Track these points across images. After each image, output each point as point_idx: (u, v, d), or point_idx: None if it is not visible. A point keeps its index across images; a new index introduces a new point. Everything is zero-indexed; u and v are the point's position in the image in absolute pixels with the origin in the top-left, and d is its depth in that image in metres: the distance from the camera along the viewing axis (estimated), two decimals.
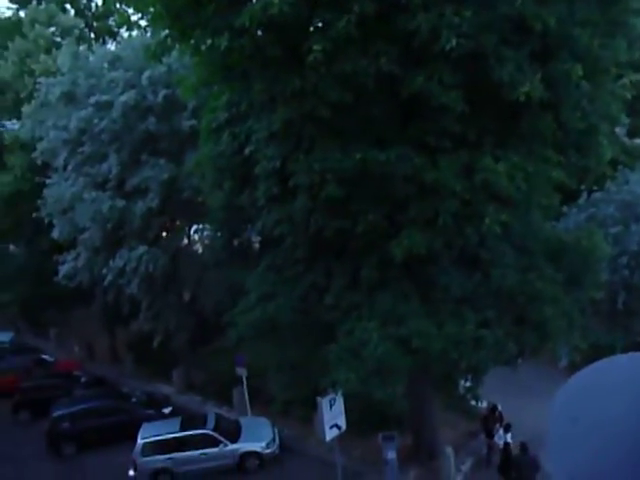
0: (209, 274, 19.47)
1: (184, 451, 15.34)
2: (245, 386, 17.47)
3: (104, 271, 18.29)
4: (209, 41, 9.43)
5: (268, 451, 15.68)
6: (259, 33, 9.20)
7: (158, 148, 18.35)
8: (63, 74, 19.48)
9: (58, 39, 26.55)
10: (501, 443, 14.21)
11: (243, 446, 15.61)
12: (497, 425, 14.70)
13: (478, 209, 10.07)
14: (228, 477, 15.26)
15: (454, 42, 8.40)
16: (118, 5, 31.46)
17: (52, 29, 27.13)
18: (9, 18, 31.33)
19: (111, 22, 32.10)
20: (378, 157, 9.80)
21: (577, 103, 9.90)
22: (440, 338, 10.66)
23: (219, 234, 17.82)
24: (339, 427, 12.63)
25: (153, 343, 20.38)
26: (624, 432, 1.03)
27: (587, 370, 1.22)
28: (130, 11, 26.06)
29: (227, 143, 12.69)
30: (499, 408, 15.26)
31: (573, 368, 12.91)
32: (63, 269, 19.54)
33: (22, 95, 24.06)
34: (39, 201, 20.44)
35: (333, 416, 12.46)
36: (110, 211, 17.71)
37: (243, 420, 16.91)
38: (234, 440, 15.65)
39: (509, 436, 14.19)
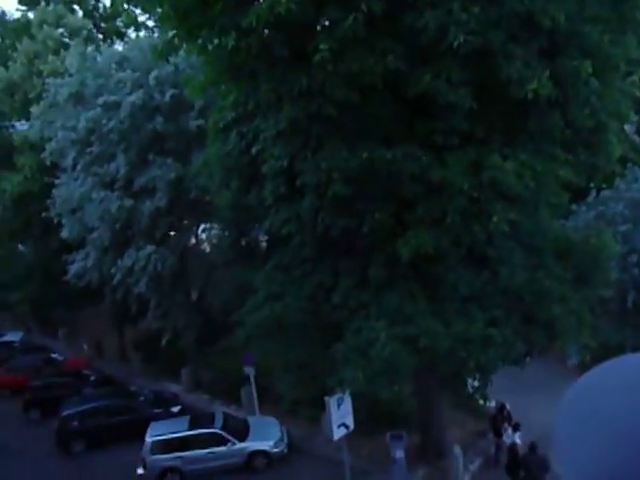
0: (217, 273, 19.53)
1: (192, 450, 15.39)
2: (253, 385, 17.51)
3: (113, 270, 18.40)
4: (216, 41, 9.46)
5: (276, 450, 15.71)
6: (266, 32, 9.21)
7: (166, 148, 18.43)
8: (71, 75, 19.61)
9: (66, 40, 26.73)
10: (513, 442, 14.14)
11: (251, 445, 15.65)
12: (506, 424, 14.64)
13: (486, 207, 10.02)
14: (236, 476, 15.30)
15: (462, 39, 8.35)
16: (126, 6, 31.61)
17: (60, 30, 27.31)
18: (18, 19, 31.58)
19: (119, 23, 32.27)
20: (385, 156, 9.78)
21: (586, 100, 9.82)
22: (448, 337, 10.63)
23: (227, 233, 17.88)
24: (347, 426, 12.62)
25: (161, 342, 20.48)
26: (634, 432, 1.02)
27: (596, 369, 1.21)
28: (137, 12, 26.20)
29: (234, 142, 12.73)
30: (508, 407, 15.19)
31: (582, 367, 12.83)
32: (72, 268, 19.68)
33: (31, 96, 24.25)
34: (48, 201, 20.61)
35: (341, 415, 12.46)
36: (118, 211, 17.81)
37: (251, 419, 16.95)
38: (242, 439, 15.69)
39: (518, 435, 14.13)
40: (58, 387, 20.14)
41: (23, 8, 32.31)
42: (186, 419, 16.51)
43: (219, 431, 15.63)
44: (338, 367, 10.89)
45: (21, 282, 26.06)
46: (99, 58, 20.10)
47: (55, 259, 21.91)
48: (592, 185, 17.74)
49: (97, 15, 32.66)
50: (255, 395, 17.62)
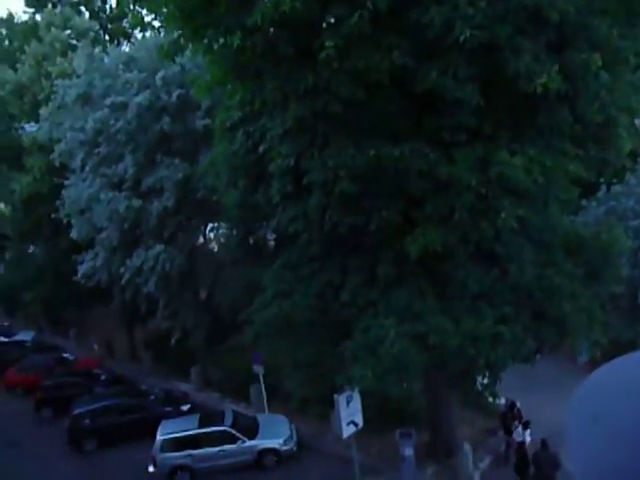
0: (225, 272, 19.59)
1: (202, 448, 15.46)
2: (262, 383, 17.55)
3: (122, 270, 18.51)
4: (222, 40, 9.46)
5: (286, 448, 15.74)
6: (271, 31, 9.19)
7: (173, 148, 18.49)
8: (79, 76, 19.73)
9: (73, 42, 26.89)
10: (521, 440, 14.07)
11: (261, 443, 15.69)
12: (516, 422, 14.56)
13: (494, 204, 9.95)
14: (246, 473, 15.34)
15: (468, 33, 8.29)
16: (132, 6, 31.72)
17: (67, 32, 27.48)
18: (25, 22, 31.79)
19: (125, 24, 32.39)
20: (392, 153, 9.74)
21: (596, 94, 9.72)
22: (457, 334, 10.59)
23: (234, 232, 17.91)
24: (356, 424, 12.61)
25: (171, 341, 20.58)
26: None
27: (607, 366, 1.19)
28: (144, 12, 26.25)
29: (241, 142, 12.74)
30: (518, 405, 15.12)
31: (593, 364, 12.73)
32: (82, 268, 19.82)
33: (40, 98, 24.44)
34: (57, 202, 20.77)
35: (350, 413, 12.45)
36: (126, 211, 17.90)
37: (260, 417, 16.99)
38: (252, 437, 15.73)
39: (528, 433, 14.05)
40: (69, 386, 20.31)
41: (30, 10, 32.54)
42: (196, 417, 16.58)
43: (229, 429, 15.68)
44: (347, 365, 10.88)
45: (32, 282, 26.28)
46: (106, 59, 20.20)
47: (65, 259, 22.08)
48: (602, 180, 17.59)
49: (104, 16, 32.80)
50: (264, 393, 17.66)
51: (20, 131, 27.03)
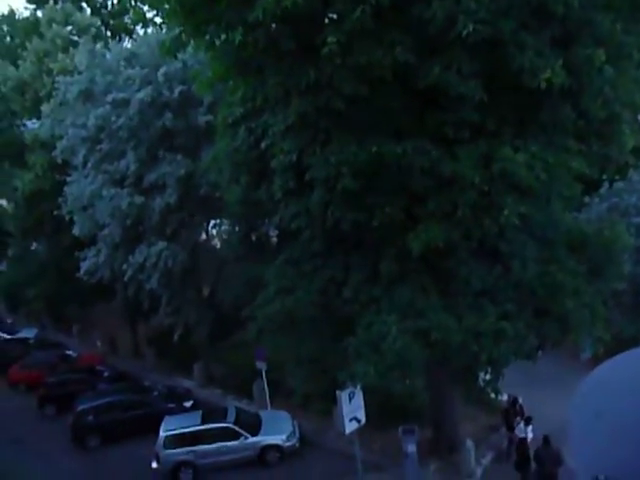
0: (227, 268, 19.59)
1: (205, 444, 15.51)
2: (265, 379, 17.57)
3: (124, 267, 18.52)
4: (223, 36, 9.43)
5: (288, 444, 15.77)
6: (273, 26, 9.16)
7: (175, 144, 18.47)
8: (80, 72, 19.71)
9: (75, 38, 26.85)
10: (522, 436, 14.08)
11: (264, 439, 15.73)
12: (518, 418, 14.56)
13: (497, 200, 9.93)
14: (249, 470, 15.39)
15: (471, 28, 8.25)
16: (133, 2, 31.67)
17: (69, 28, 27.45)
18: (27, 18, 31.77)
19: (127, 20, 32.33)
20: (395, 149, 9.72)
21: (599, 90, 9.68)
22: (459, 331, 10.58)
23: (237, 229, 17.90)
24: (359, 420, 12.63)
25: (174, 337, 20.61)
26: None
27: (609, 363, 1.18)
28: (145, 8, 26.21)
29: (243, 138, 12.71)
30: (520, 401, 15.11)
31: (596, 360, 12.71)
32: (84, 265, 19.84)
33: (41, 94, 24.43)
34: (60, 199, 20.78)
35: (353, 409, 12.46)
36: (129, 207, 17.90)
37: (263, 413, 17.02)
38: (255, 433, 15.77)
39: (530, 429, 14.05)
40: (72, 383, 20.36)
41: (32, 7, 32.50)
42: (199, 414, 16.62)
43: (232, 425, 15.72)
44: (349, 361, 10.89)
45: (35, 279, 26.30)
46: (108, 55, 20.17)
47: (68, 256, 22.09)
48: (605, 177, 17.53)
49: (105, 12, 32.75)
50: (267, 389, 17.70)
51: (22, 128, 27.05)
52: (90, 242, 20.07)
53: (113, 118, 17.91)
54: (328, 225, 11.20)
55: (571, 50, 9.18)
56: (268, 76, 10.26)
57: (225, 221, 19.98)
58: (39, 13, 30.65)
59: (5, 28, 32.62)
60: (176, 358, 22.25)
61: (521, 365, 12.43)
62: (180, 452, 15.42)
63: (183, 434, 15.60)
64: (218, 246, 22.28)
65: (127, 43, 24.20)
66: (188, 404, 18.56)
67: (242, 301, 15.40)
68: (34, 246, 29.04)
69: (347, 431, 12.52)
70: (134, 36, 28.49)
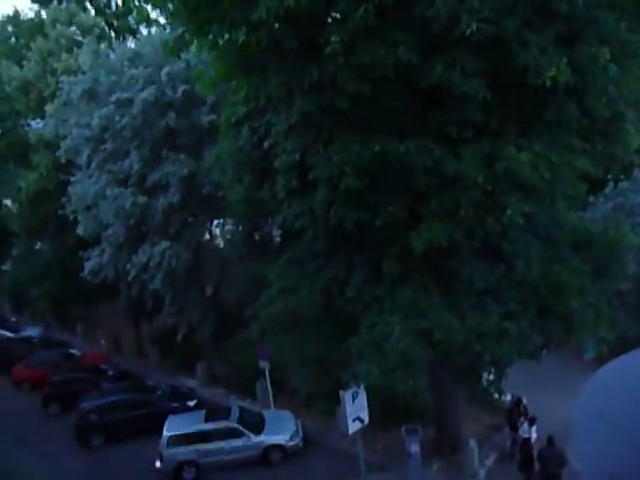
0: (231, 268, 19.60)
1: (209, 443, 15.52)
2: (268, 379, 17.58)
3: (128, 266, 18.56)
4: (226, 35, 9.42)
5: (292, 444, 15.77)
6: (276, 26, 9.15)
7: (178, 144, 18.49)
8: (84, 72, 19.75)
9: (79, 38, 26.90)
10: (526, 437, 14.03)
11: (267, 439, 15.73)
12: (522, 418, 14.51)
13: (500, 200, 9.90)
14: (252, 469, 15.39)
15: (474, 27, 8.22)
16: (137, 2, 31.72)
17: (73, 28, 27.50)
18: (31, 19, 31.85)
19: (131, 20, 32.39)
20: (398, 148, 9.70)
21: (603, 89, 9.63)
22: (462, 331, 10.55)
23: (240, 228, 17.90)
24: (362, 420, 12.61)
25: (177, 337, 20.64)
26: None
27: (614, 363, 1.17)
28: (149, 8, 26.27)
29: (246, 137, 12.71)
30: (524, 401, 15.06)
31: (600, 361, 12.66)
32: (88, 265, 19.89)
33: (45, 94, 24.48)
34: (64, 199, 20.83)
35: (356, 409, 12.45)
36: (132, 207, 17.94)
37: (266, 413, 17.03)
38: (258, 433, 15.77)
39: (534, 430, 14.00)
40: (76, 382, 20.42)
41: (36, 7, 32.59)
42: (202, 413, 16.64)
43: (235, 425, 15.73)
44: (352, 361, 10.87)
45: (39, 279, 26.39)
46: (112, 55, 20.21)
47: (72, 256, 22.15)
48: (610, 176, 17.46)
49: (109, 12, 32.82)
50: (270, 389, 17.70)
51: (26, 128, 27.12)
52: (94, 242, 20.12)
53: (117, 118, 17.94)
54: (331, 224, 11.19)
55: (575, 48, 9.14)
56: (271, 75, 10.26)
57: (228, 221, 20.00)
58: (43, 13, 30.72)
59: (10, 28, 32.69)
60: (179, 357, 22.29)
61: (525, 365, 12.39)
62: (183, 451, 15.44)
63: (186, 433, 15.62)
64: (221, 246, 22.29)
65: (131, 43, 24.23)
66: (192, 403, 18.58)
67: (245, 301, 15.40)
68: (38, 246, 29.13)
69: (350, 431, 12.51)
70: (138, 36, 28.57)
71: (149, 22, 29.60)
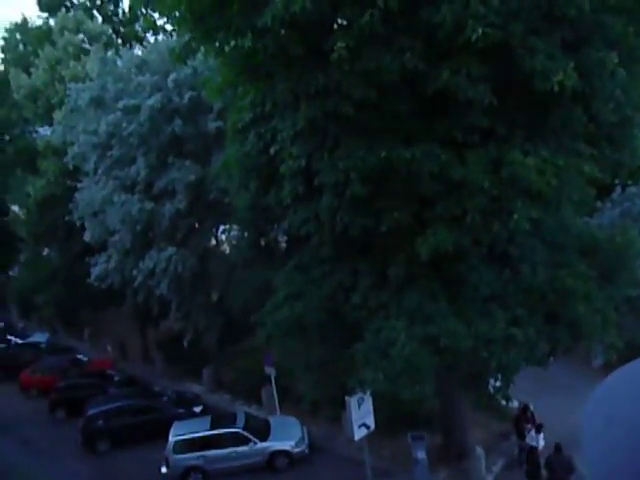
0: (237, 274, 19.61)
1: (215, 449, 15.51)
2: (274, 385, 17.55)
3: (134, 272, 18.62)
4: (233, 42, 9.47)
5: (297, 450, 15.73)
6: (282, 32, 9.19)
7: (184, 150, 18.58)
8: (92, 80, 19.92)
9: (86, 46, 27.15)
10: (533, 444, 13.91)
11: (273, 445, 15.70)
12: (529, 426, 14.40)
13: (506, 205, 9.86)
14: (258, 475, 15.36)
15: (480, 32, 8.22)
16: (144, 10, 31.99)
17: (80, 36, 27.76)
18: (40, 27, 32.18)
19: (137, 27, 32.66)
20: (403, 154, 9.69)
21: (611, 94, 9.60)
22: (469, 337, 10.50)
23: (246, 234, 17.93)
24: (368, 426, 12.56)
25: (183, 342, 20.66)
26: None
27: (623, 369, 1.16)
28: (156, 15, 26.49)
29: (252, 143, 12.74)
30: (531, 408, 14.95)
31: (608, 367, 12.55)
32: (95, 271, 19.97)
33: (53, 101, 24.70)
34: (71, 205, 20.96)
35: (362, 415, 12.40)
36: (139, 213, 18.02)
37: (272, 419, 16.99)
38: (264, 439, 15.74)
39: (541, 437, 13.89)
40: (83, 387, 20.47)
41: (44, 15, 32.95)
42: (208, 419, 16.63)
43: (241, 431, 15.71)
44: (358, 367, 10.84)
45: (46, 284, 26.52)
46: (119, 62, 20.36)
47: (79, 262, 22.26)
48: (617, 181, 17.37)
49: (116, 20, 33.12)
50: (276, 395, 17.67)
51: (34, 135, 27.37)
52: (101, 248, 20.21)
53: (124, 124, 18.05)
54: (337, 230, 11.18)
55: (582, 53, 9.12)
56: (277, 81, 10.29)
57: (234, 227, 20.04)
58: (51, 21, 31.04)
59: (18, 36, 33.05)
60: (185, 363, 22.30)
61: (532, 372, 12.31)
62: (189, 457, 15.43)
63: (192, 439, 15.62)
64: (227, 251, 22.32)
65: (138, 50, 24.43)
66: (197, 409, 18.58)
67: (251, 306, 15.41)
68: (46, 252, 29.29)
69: (356, 437, 12.46)
70: (144, 43, 28.79)
71: (156, 29, 29.84)
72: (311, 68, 9.45)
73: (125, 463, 16.70)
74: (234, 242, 21.02)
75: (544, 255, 11.62)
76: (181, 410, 18.16)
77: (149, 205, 18.14)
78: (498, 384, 12.62)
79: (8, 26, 32.83)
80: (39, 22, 33.06)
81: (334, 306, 11.96)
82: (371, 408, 12.60)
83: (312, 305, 11.88)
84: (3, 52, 33.07)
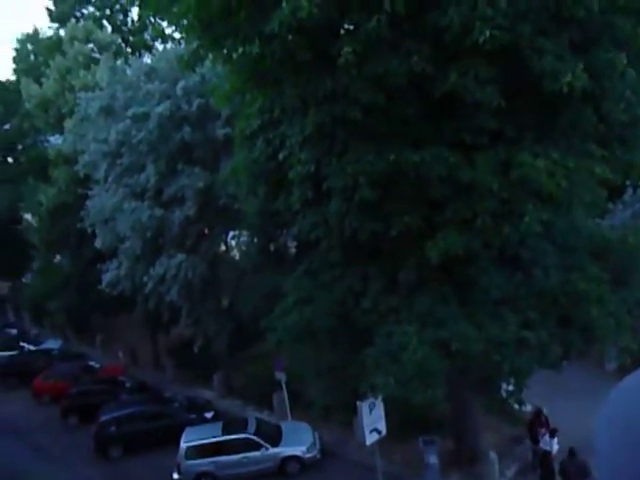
0: (247, 279, 19.67)
1: (226, 455, 15.50)
2: (285, 390, 17.53)
3: (145, 279, 18.73)
4: (240, 49, 9.53)
5: (309, 455, 15.68)
6: (289, 38, 9.23)
7: (193, 157, 18.69)
8: (102, 88, 20.13)
9: (96, 55, 27.44)
10: (547, 449, 13.76)
11: (284, 450, 15.66)
12: (543, 430, 14.25)
13: (517, 207, 9.80)
14: None
15: (488, 34, 8.20)
16: (153, 19, 32.26)
17: (90, 46, 28.08)
18: (50, 37, 32.57)
19: (146, 36, 32.95)
20: (412, 158, 9.67)
21: (621, 94, 9.53)
22: (480, 340, 10.43)
23: (255, 240, 17.98)
24: (379, 431, 12.50)
25: (193, 348, 20.72)
26: None
27: (638, 373, 1.14)
28: (164, 24, 26.69)
29: (261, 149, 12.79)
30: (545, 412, 14.80)
31: (622, 371, 12.40)
32: (106, 277, 20.11)
33: (64, 111, 24.98)
34: (82, 212, 21.15)
35: (373, 420, 12.35)
36: (149, 220, 18.14)
37: (284, 424, 16.96)
38: (275, 444, 15.71)
39: (555, 441, 13.74)
40: (95, 394, 20.57)
41: (55, 25, 33.34)
42: (219, 425, 16.64)
43: (252, 436, 15.69)
44: (369, 372, 10.80)
45: (58, 291, 26.74)
46: (128, 71, 20.56)
47: (90, 269, 22.43)
48: (629, 182, 17.19)
49: (125, 29, 33.43)
50: (287, 400, 17.64)
51: (46, 144, 27.68)
52: (112, 255, 20.36)
53: (133, 132, 18.21)
54: (346, 235, 11.17)
55: (591, 54, 9.07)
56: (285, 87, 10.33)
57: (244, 232, 20.10)
58: (62, 32, 31.41)
59: (29, 47, 33.49)
60: (196, 369, 22.34)
61: (546, 376, 12.19)
62: (201, 463, 15.44)
63: (204, 445, 15.62)
64: (237, 257, 22.39)
65: (147, 59, 24.64)
66: (209, 415, 18.60)
67: (261, 312, 15.42)
68: (58, 259, 29.54)
69: (368, 442, 12.40)
70: (153, 51, 28.99)
71: (164, 38, 30.10)
72: (319, 73, 9.47)
73: (137, 469, 16.74)
74: (244, 248, 21.07)
75: (555, 258, 11.53)
76: (193, 416, 18.18)
77: (159, 212, 18.26)
78: (510, 388, 12.52)
79: (20, 37, 33.30)
80: (50, 32, 33.48)
81: (344, 311, 11.94)
82: (382, 413, 12.54)
83: (322, 310, 11.87)
84: (15, 62, 33.50)
